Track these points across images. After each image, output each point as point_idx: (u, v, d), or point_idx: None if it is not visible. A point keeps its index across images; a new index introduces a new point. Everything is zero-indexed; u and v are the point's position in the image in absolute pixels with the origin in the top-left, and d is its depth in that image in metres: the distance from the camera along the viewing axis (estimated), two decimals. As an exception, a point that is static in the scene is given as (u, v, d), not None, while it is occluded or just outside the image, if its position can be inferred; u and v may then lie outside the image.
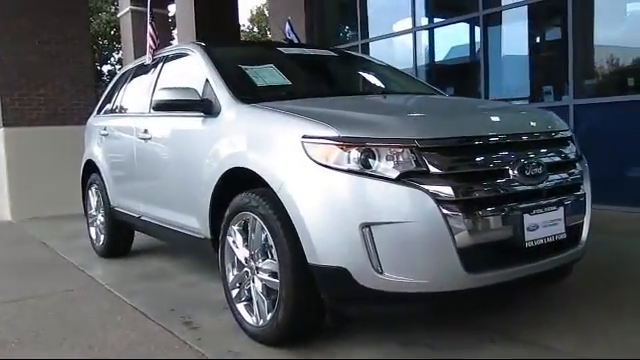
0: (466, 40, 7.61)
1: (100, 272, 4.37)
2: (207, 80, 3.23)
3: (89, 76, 8.43)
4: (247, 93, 3.04)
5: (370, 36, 8.85)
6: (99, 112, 5.19)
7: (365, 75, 3.94)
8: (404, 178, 2.24)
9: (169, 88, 3.14)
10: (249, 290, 2.75)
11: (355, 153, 2.29)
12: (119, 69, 26.30)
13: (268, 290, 2.62)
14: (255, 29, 30.08)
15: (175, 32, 22.93)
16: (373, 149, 2.29)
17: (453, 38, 7.83)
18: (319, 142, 2.35)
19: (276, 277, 2.52)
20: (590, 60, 6.22)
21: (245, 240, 2.76)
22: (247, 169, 2.65)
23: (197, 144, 3.16)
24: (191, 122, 3.25)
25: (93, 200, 4.95)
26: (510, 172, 2.41)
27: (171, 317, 3.16)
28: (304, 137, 2.40)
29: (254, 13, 30.51)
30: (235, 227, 2.81)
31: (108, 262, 4.67)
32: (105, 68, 27.77)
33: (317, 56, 3.88)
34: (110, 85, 5.11)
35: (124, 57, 17.52)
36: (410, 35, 8.03)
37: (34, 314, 3.35)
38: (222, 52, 3.53)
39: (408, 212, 2.23)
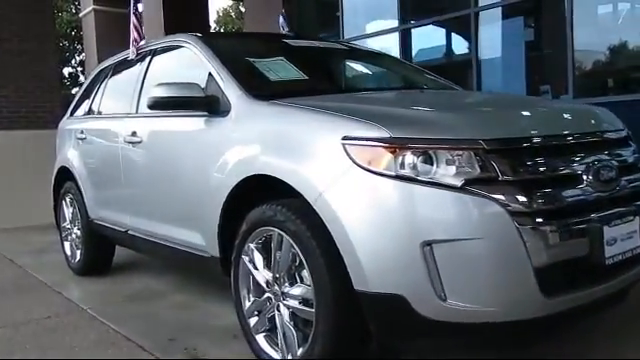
0: (457, 38, 7.35)
1: (79, 294, 3.87)
2: (210, 75, 2.81)
3: (55, 76, 7.87)
4: (261, 89, 2.64)
5: (353, 35, 8.49)
6: (72, 114, 4.69)
7: (385, 69, 3.56)
8: (470, 186, 1.88)
9: (167, 84, 2.71)
10: (272, 319, 2.34)
11: (410, 157, 1.91)
12: (81, 71, 25.46)
13: (298, 320, 2.22)
14: (221, 31, 29.45)
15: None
16: (430, 152, 1.92)
17: (443, 36, 7.55)
18: (365, 144, 1.97)
19: (310, 305, 2.12)
20: (592, 58, 6.01)
21: (266, 260, 2.35)
22: (270, 177, 2.24)
23: (201, 148, 2.74)
24: (192, 123, 2.83)
25: (67, 211, 4.44)
26: (584, 177, 2.07)
27: (172, 348, 2.73)
28: (345, 139, 2.01)
29: (220, 15, 29.92)
30: (253, 245, 2.40)
31: (87, 281, 4.17)
32: (66, 70, 26.70)
33: (328, 49, 3.49)
34: (85, 84, 4.62)
35: (86, 59, 16.77)
36: (396, 34, 7.72)
37: (8, 348, 2.86)
38: (224, 44, 3.12)
39: (476, 227, 1.86)
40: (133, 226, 3.45)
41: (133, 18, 3.76)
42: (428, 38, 7.63)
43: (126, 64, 3.93)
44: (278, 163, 2.22)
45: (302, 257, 2.12)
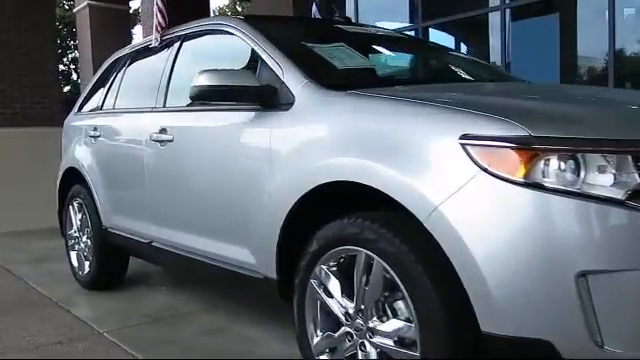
0: (484, 36, 6.96)
1: (91, 312, 3.40)
2: (263, 62, 2.37)
3: (53, 70, 7.39)
4: (331, 78, 2.21)
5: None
6: (81, 109, 4.22)
7: (457, 60, 3.12)
8: (634, 200, 1.46)
9: (215, 70, 2.27)
10: (351, 359, 1.90)
11: (556, 162, 1.49)
12: (74, 69, 24.72)
13: (389, 363, 1.79)
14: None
15: (135, 30, 21.62)
16: (579, 156, 1.50)
17: (468, 34, 7.16)
18: (494, 145, 1.54)
19: (410, 346, 1.69)
20: (634, 59, 5.64)
21: (346, 286, 1.91)
22: (358, 184, 1.81)
23: (254, 148, 2.30)
24: (240, 118, 2.40)
25: (75, 218, 3.96)
26: None
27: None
28: (465, 138, 1.58)
29: (217, 14, 29.40)
30: (325, 267, 1.96)
31: (98, 297, 3.69)
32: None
33: (388, 36, 3.05)
34: (97, 75, 4.14)
35: (80, 56, 16.21)
36: (417, 32, 7.31)
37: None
38: (274, 28, 2.68)
39: (645, 254, 1.44)
40: (159, 237, 2.99)
41: (158, 0, 3.31)
42: (454, 36, 7.23)
43: (147, 52, 3.48)
44: (372, 168, 1.77)
45: (402, 286, 1.68)
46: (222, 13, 28.90)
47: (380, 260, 1.74)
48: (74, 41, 21.70)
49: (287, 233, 2.11)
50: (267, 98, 2.26)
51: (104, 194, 3.53)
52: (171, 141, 2.80)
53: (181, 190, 2.79)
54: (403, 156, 1.70)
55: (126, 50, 3.86)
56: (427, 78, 2.57)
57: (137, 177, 3.12)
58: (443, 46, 3.34)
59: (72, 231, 4.03)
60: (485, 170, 1.53)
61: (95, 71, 11.81)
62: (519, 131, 1.52)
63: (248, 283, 2.39)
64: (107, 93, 3.81)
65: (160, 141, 2.88)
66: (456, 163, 1.58)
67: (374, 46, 2.87)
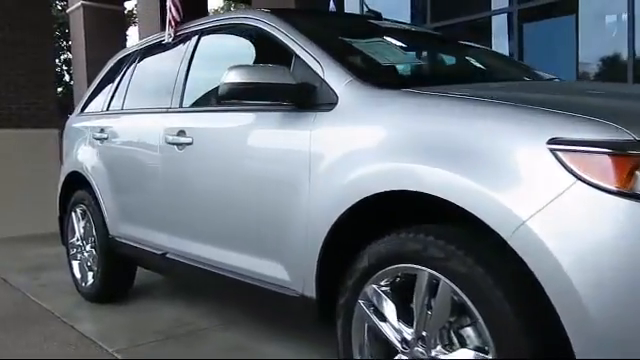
0: (494, 38, 6.79)
1: (97, 328, 3.16)
2: (297, 59, 2.15)
3: (50, 70, 7.10)
4: (376, 75, 1.99)
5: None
6: (84, 110, 3.98)
7: (500, 58, 2.92)
8: None
9: (247, 66, 2.06)
10: (408, 393, 1.68)
11: (667, 172, 1.29)
12: (67, 70, 24.33)
13: (454, 398, 1.57)
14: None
15: (129, 31, 21.37)
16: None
17: (478, 36, 6.98)
18: (593, 151, 1.33)
19: (483, 382, 1.48)
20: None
21: (401, 309, 1.69)
22: (415, 194, 1.59)
23: (290, 153, 2.07)
24: (272, 119, 2.18)
25: (78, 225, 3.72)
26: None
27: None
28: (554, 142, 1.37)
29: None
30: (376, 287, 1.74)
31: (102, 310, 3.45)
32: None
33: (427, 34, 2.86)
34: (102, 74, 3.91)
35: (74, 57, 15.92)
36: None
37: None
38: (306, 21, 2.45)
39: None
40: (174, 248, 2.76)
41: (172, -8, 3.08)
42: (466, 37, 7.04)
43: (160, 49, 3.25)
44: (440, 178, 1.55)
45: (476, 311, 1.47)
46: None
47: (448, 281, 1.53)
48: (67, 42, 21.37)
49: (328, 248, 1.90)
50: (305, 97, 2.04)
51: (111, 201, 3.29)
52: (190, 144, 2.57)
53: (201, 197, 2.55)
54: (479, 164, 1.48)
55: (134, 47, 3.62)
56: (481, 77, 2.36)
57: (150, 183, 2.89)
58: (477, 45, 3.14)
59: (74, 239, 3.78)
60: (583, 180, 1.31)
61: (88, 72, 11.50)
62: (622, 135, 1.31)
63: (278, 301, 2.16)
64: (114, 93, 3.58)
65: (178, 144, 2.65)
66: (546, 171, 1.36)
67: (413, 43, 2.65)
